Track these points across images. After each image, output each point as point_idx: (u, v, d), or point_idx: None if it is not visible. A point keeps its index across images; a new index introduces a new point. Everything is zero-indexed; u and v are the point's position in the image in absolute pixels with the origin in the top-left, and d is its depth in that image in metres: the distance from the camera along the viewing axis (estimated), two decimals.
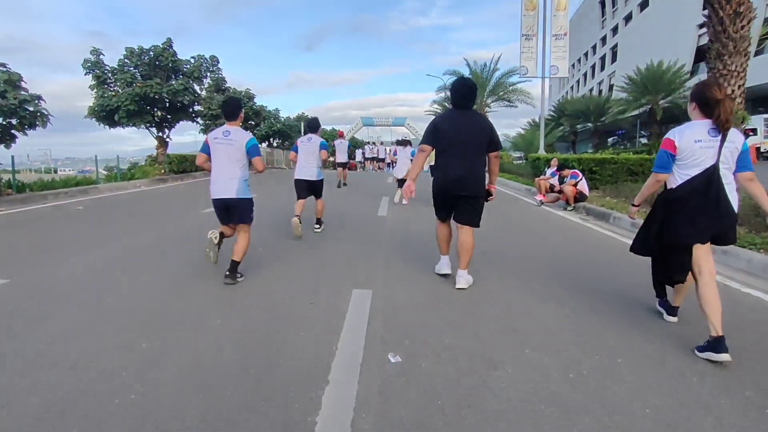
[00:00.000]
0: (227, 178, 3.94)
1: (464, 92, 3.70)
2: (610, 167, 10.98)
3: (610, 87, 44.54)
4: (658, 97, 29.20)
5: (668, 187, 2.84)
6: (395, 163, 11.69)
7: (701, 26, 31.44)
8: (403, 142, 11.17)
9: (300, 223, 6.00)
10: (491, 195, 3.87)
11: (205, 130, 21.47)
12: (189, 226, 6.70)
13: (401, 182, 9.82)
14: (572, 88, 57.27)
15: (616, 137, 45.75)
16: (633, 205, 3.30)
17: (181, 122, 15.91)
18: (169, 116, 15.10)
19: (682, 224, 2.72)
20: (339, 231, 6.51)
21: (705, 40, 31.03)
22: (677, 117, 31.46)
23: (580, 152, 36.45)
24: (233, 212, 4.04)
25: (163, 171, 14.59)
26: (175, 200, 9.97)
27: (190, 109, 15.55)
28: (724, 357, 2.46)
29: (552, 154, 12.49)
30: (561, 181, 9.86)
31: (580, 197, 9.04)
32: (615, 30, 44.95)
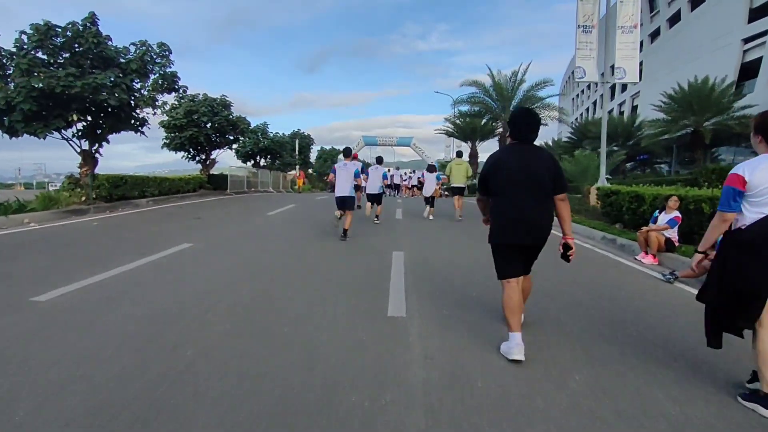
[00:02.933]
0: (345, 186, 7.71)
1: (527, 123, 3.19)
2: None
3: (633, 108, 41.20)
4: (703, 117, 25.49)
5: (735, 226, 2.58)
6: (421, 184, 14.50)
7: (748, 41, 28.14)
8: (431, 168, 12.49)
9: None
10: (571, 249, 3.16)
11: (170, 144, 17.54)
12: None
13: (428, 200, 11.66)
14: (588, 110, 54.04)
15: (634, 163, 42.02)
16: (698, 252, 2.81)
17: (121, 133, 11.91)
18: (102, 123, 11.09)
19: (759, 270, 2.45)
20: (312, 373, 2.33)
21: (753, 55, 27.81)
22: (723, 141, 27.79)
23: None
24: (345, 202, 7.72)
25: (84, 198, 10.48)
26: (40, 260, 5.83)
27: (134, 114, 11.57)
28: None
29: (667, 189, 8.39)
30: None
31: None
32: (640, 47, 41.66)
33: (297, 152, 35.13)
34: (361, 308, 3.97)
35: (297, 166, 31.61)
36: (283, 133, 36.62)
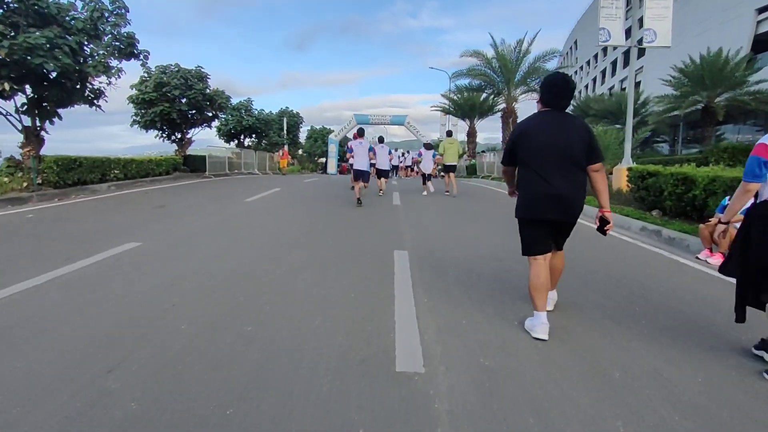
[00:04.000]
0: (364, 161, 9.23)
1: (560, 89, 2.94)
2: None
3: (636, 84, 39.73)
4: (715, 92, 24.11)
5: (761, 198, 2.59)
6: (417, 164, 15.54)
7: (762, 11, 26.57)
8: (428, 146, 13.31)
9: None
10: (608, 223, 2.98)
11: (140, 121, 15.85)
12: None
13: (426, 176, 12.67)
14: (586, 87, 52.42)
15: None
16: (721, 222, 2.86)
17: (74, 107, 10.24)
18: (46, 95, 9.40)
19: None
20: None
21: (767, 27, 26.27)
22: (735, 117, 26.50)
23: None
24: (363, 175, 9.30)
25: (26, 184, 8.91)
26: None
27: (88, 84, 9.90)
28: None
29: (719, 168, 7.03)
30: None
31: None
32: (642, 21, 39.97)
33: (285, 131, 33.29)
34: (355, 357, 2.59)
35: (285, 145, 29.76)
36: (270, 111, 34.70)
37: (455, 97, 26.91)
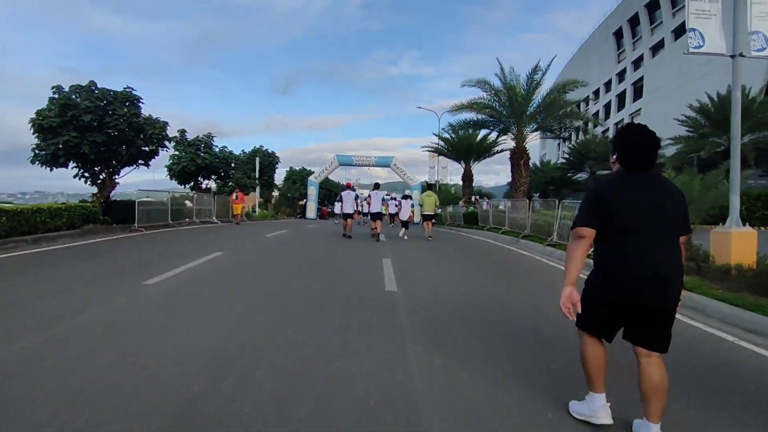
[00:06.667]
0: (377, 206, 12.91)
1: (644, 146, 2.30)
2: None
3: None
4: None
5: None
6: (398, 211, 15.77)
7: None
8: (406, 197, 15.16)
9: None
10: None
11: (41, 155, 11.95)
12: None
13: (405, 223, 14.25)
14: (578, 129, 50.87)
15: None
16: None
17: None
18: None
19: None
20: None
21: None
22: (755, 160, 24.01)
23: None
24: (378, 215, 12.94)
25: None
26: None
27: None
28: None
29: None
30: None
31: None
32: (637, 63, 38.71)
33: (257, 172, 29.67)
34: None
35: (257, 187, 25.79)
36: (243, 150, 31.28)
37: (449, 137, 23.90)
